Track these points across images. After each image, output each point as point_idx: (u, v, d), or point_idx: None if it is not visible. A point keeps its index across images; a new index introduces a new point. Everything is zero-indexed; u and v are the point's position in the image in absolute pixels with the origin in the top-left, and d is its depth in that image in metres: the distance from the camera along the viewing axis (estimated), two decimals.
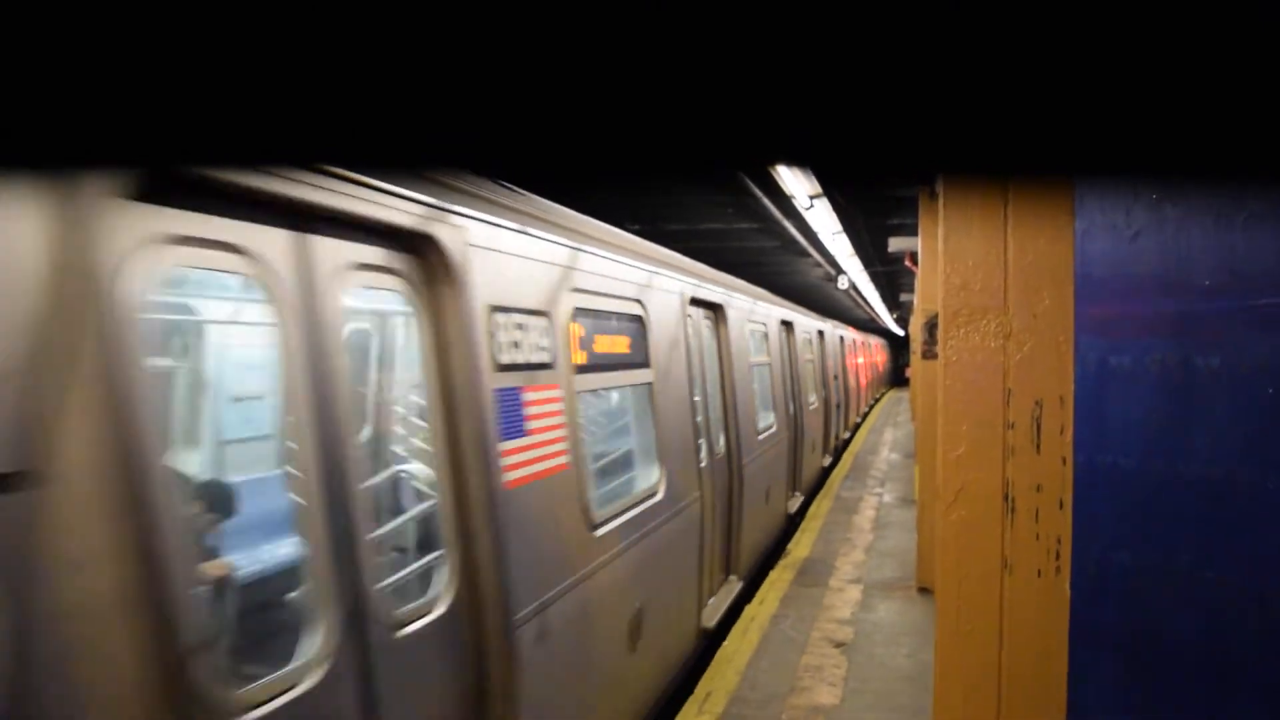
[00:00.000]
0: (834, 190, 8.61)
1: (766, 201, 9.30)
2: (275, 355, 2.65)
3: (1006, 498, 3.10)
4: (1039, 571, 3.07)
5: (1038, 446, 3.08)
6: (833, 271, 16.34)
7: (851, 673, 6.44)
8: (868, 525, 11.94)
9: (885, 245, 12.45)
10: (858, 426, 25.50)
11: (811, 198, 8.33)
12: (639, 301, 5.66)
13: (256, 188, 2.44)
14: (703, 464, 6.84)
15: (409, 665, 2.98)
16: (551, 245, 4.30)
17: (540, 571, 3.84)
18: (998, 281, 3.10)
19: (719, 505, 7.42)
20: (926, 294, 8.21)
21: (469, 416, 3.40)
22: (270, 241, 2.57)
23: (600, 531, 4.59)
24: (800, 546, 10.62)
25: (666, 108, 1.62)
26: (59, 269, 1.86)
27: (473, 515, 3.41)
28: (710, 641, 6.98)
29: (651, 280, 6.03)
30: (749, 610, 8.04)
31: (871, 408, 33.89)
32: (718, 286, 8.07)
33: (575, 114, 1.68)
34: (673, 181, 8.85)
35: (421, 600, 3.22)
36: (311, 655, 2.60)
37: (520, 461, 3.75)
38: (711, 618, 6.96)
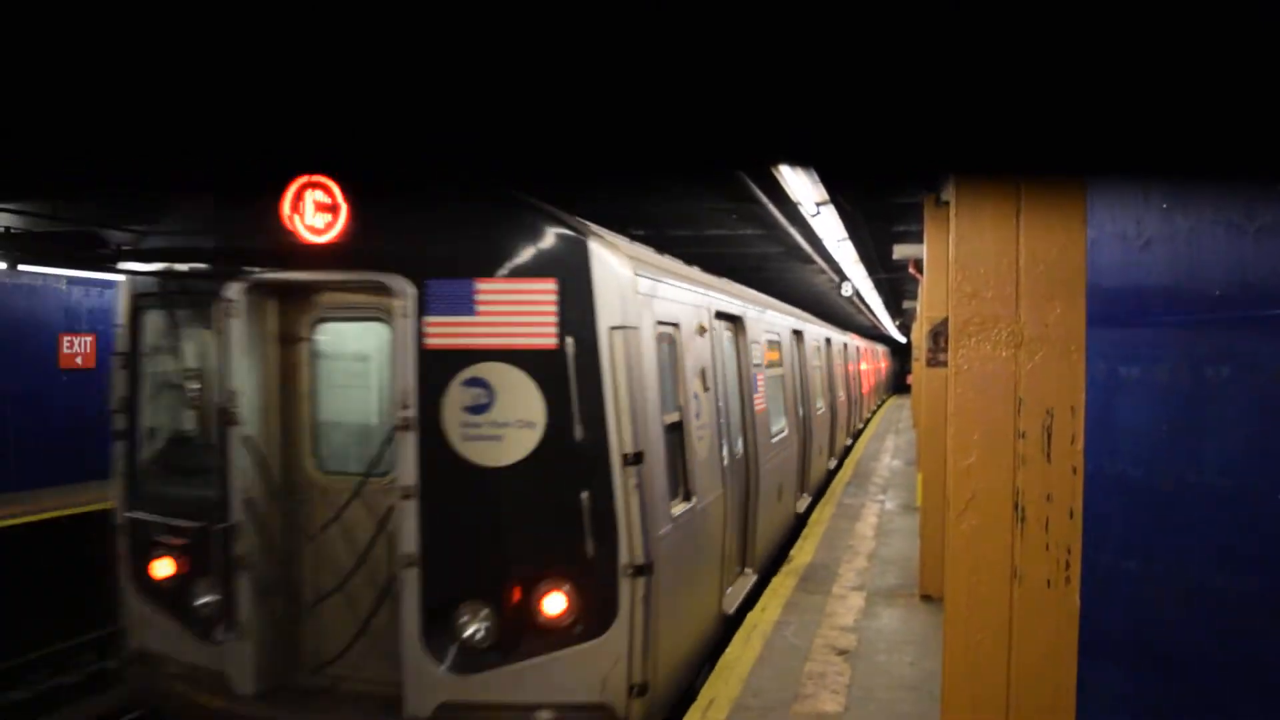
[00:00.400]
0: (840, 196, 8.61)
1: (772, 208, 9.30)
2: (718, 359, 7.68)
3: (1017, 507, 3.09)
4: (1049, 581, 3.06)
5: (1048, 456, 3.07)
6: (836, 278, 16.33)
7: (855, 681, 6.43)
8: (870, 532, 11.92)
9: (889, 252, 12.44)
10: (864, 426, 27.69)
11: (818, 204, 8.32)
12: (777, 332, 11.22)
13: (727, 313, 8.34)
14: (800, 421, 12.52)
15: (738, 468, 8.10)
16: (761, 311, 10.34)
17: (763, 449, 9.15)
18: (1009, 290, 3.09)
19: (800, 449, 12.41)
20: (932, 301, 8.19)
21: (747, 383, 8.77)
22: (721, 326, 7.98)
23: (774, 440, 10.02)
24: (803, 553, 10.60)
25: (684, 110, 1.62)
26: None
27: (748, 421, 8.67)
28: (797, 522, 12.17)
29: (780, 321, 11.77)
30: (751, 617, 8.02)
31: (873, 414, 33.90)
32: (798, 320, 13.77)
33: (595, 118, 1.67)
34: (683, 182, 8.84)
35: (738, 448, 8.31)
36: (729, 463, 7.75)
37: (757, 403, 9.05)
38: (800, 508, 12.45)
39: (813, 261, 14.01)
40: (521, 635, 5.19)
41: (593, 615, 5.12)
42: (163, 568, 5.82)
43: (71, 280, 14.83)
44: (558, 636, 5.15)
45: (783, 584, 9.19)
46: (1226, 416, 2.94)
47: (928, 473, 8.86)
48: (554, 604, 5.15)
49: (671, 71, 1.56)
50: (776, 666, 6.71)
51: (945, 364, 7.99)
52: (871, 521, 12.70)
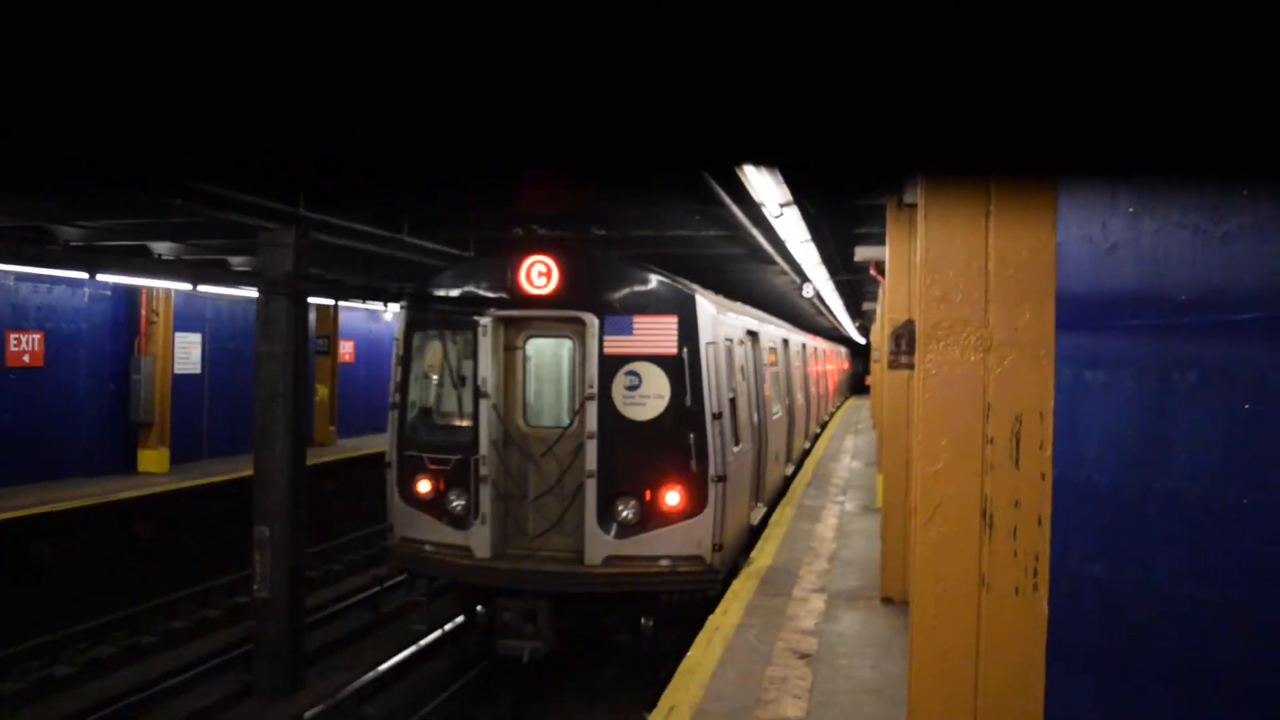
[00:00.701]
0: (804, 198, 8.57)
1: (736, 210, 9.24)
2: (748, 360, 11.83)
3: (984, 514, 3.05)
4: (1016, 589, 3.01)
5: (1016, 462, 3.02)
6: (798, 280, 16.34)
7: (817, 685, 6.39)
8: (830, 534, 11.93)
9: (850, 254, 12.44)
10: (829, 419, 29.76)
11: (782, 206, 8.29)
12: (775, 342, 14.84)
13: (751, 330, 12.51)
14: (788, 409, 16.33)
15: (756, 433, 11.78)
16: (766, 324, 14.89)
17: (768, 423, 13.00)
18: (978, 294, 3.05)
19: (788, 428, 16.15)
20: (894, 303, 8.18)
21: (760, 377, 12.63)
22: (748, 338, 11.98)
23: (773, 419, 13.72)
24: (764, 555, 10.57)
25: (648, 109, 1.54)
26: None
27: (761, 403, 12.54)
28: (786, 482, 16.07)
29: (776, 332, 15.68)
30: (712, 620, 7.97)
31: (835, 412, 34.08)
32: (786, 331, 18.54)
33: (567, 118, 1.59)
34: (653, 183, 8.73)
35: (756, 421, 11.90)
36: (753, 428, 11.64)
37: (766, 391, 13.16)
38: (788, 472, 16.37)
39: (775, 263, 14.01)
40: (652, 516, 8.94)
41: (693, 505, 8.93)
42: (423, 485, 9.52)
43: (19, 276, 14.45)
44: (673, 517, 8.93)
45: (743, 587, 9.16)
46: (1193, 422, 2.92)
47: (888, 474, 8.86)
48: (672, 498, 8.96)
49: (638, 73, 1.48)
50: (738, 670, 6.66)
51: (906, 366, 7.99)
52: (831, 523, 12.72)
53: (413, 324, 9.88)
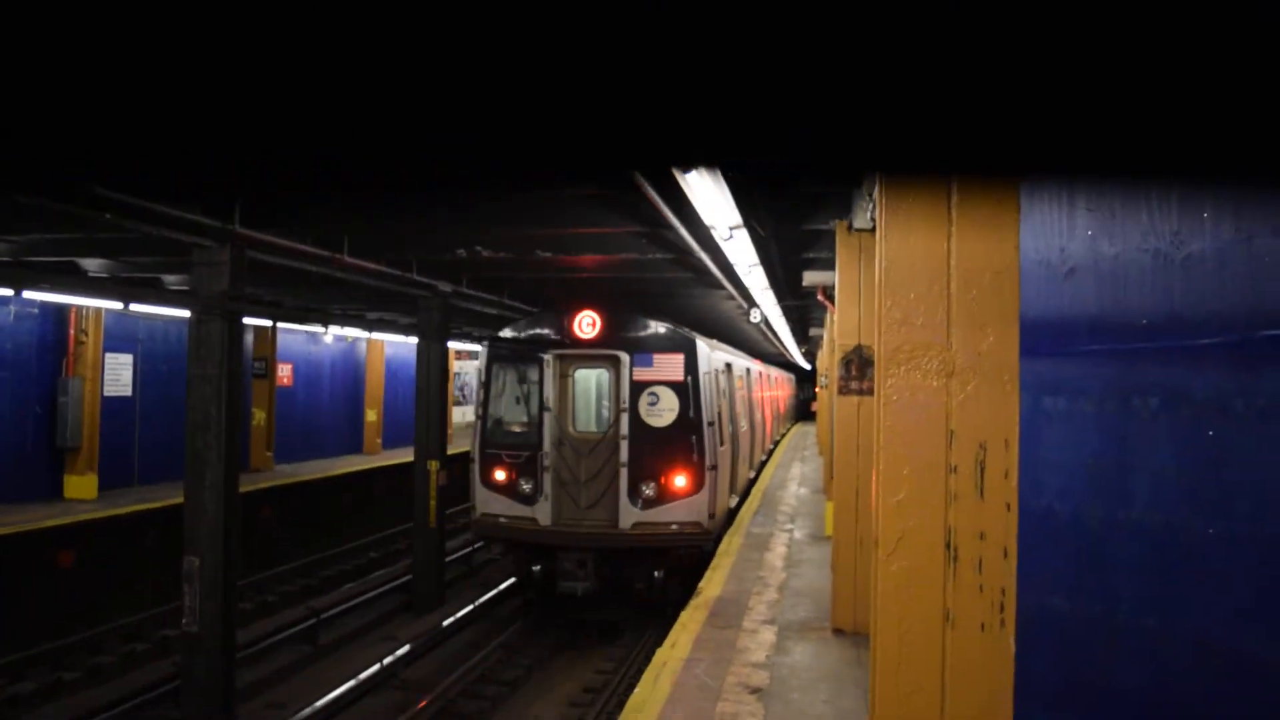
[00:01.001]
0: (754, 220, 8.49)
1: (684, 232, 9.14)
2: (726, 386, 15.56)
3: (948, 546, 2.92)
4: (982, 625, 2.89)
5: (981, 491, 2.91)
6: (745, 305, 16.32)
7: None
8: (780, 563, 11.81)
9: (798, 279, 12.41)
10: (776, 443, 31.25)
11: (732, 229, 8.19)
12: (742, 371, 18.58)
13: (729, 362, 16.42)
14: (750, 425, 19.35)
15: (731, 441, 14.97)
16: (737, 358, 18.66)
17: (739, 435, 16.39)
18: (940, 316, 2.93)
19: (750, 441, 19.07)
20: (844, 329, 8.12)
21: (733, 399, 16.02)
22: (725, 372, 15.51)
23: (740, 430, 16.95)
24: (712, 585, 10.41)
25: (589, 108, 1.40)
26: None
27: (733, 418, 15.78)
28: (750, 481, 19.60)
29: (742, 363, 19.43)
30: (660, 654, 7.78)
31: (783, 436, 34.18)
32: (749, 361, 21.81)
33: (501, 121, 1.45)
34: (599, 186, 8.54)
35: (731, 432, 15.22)
36: (732, 434, 15.64)
37: (737, 409, 16.61)
38: (751, 475, 19.79)
39: (723, 287, 13.96)
40: (666, 494, 12.45)
41: (695, 486, 12.48)
42: (500, 474, 13.01)
43: None
44: (680, 495, 12.46)
45: (692, 618, 8.97)
46: (1156, 450, 2.84)
47: (838, 502, 8.76)
48: (680, 481, 12.48)
49: (581, 66, 1.34)
50: (687, 708, 6.47)
51: (857, 391, 7.93)
52: (781, 551, 12.60)
53: (493, 358, 13.58)
